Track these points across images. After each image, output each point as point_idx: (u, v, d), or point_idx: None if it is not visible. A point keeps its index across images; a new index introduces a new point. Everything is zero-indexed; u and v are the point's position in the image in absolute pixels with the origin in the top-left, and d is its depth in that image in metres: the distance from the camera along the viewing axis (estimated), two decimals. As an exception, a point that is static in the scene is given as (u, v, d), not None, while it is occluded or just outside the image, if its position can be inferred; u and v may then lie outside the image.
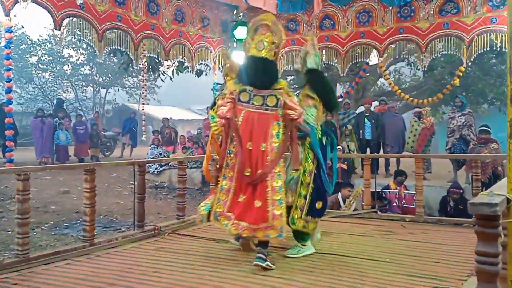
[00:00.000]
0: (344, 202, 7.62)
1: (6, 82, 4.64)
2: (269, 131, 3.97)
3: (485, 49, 6.01)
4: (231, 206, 4.00)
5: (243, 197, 3.96)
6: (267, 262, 3.90)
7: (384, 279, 3.74)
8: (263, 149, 3.96)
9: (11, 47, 4.64)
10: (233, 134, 4.01)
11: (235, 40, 7.06)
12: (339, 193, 7.81)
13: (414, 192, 6.54)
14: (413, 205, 6.86)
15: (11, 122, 4.65)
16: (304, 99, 4.44)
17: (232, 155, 4.03)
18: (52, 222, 8.26)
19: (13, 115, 4.76)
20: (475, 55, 6.04)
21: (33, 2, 4.61)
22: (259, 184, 3.95)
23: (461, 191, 7.36)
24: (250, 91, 3.97)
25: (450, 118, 9.41)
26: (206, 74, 13.87)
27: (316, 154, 4.35)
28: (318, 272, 3.92)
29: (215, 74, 7.68)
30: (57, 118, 14.19)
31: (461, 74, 6.94)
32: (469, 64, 6.40)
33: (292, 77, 15.94)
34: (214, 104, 4.36)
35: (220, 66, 7.78)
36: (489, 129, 8.55)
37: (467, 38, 5.96)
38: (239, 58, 7.07)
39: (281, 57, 7.23)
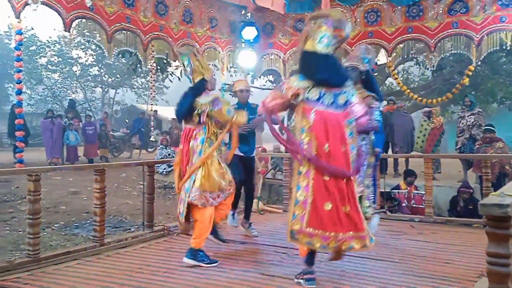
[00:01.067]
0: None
1: (17, 83, 4.69)
2: (344, 131, 3.60)
3: (494, 48, 5.97)
4: (312, 220, 3.44)
5: (330, 206, 3.44)
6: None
7: (394, 280, 3.73)
8: (343, 150, 3.53)
9: (21, 49, 4.68)
10: (272, 133, 3.78)
11: (243, 41, 7.07)
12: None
13: (424, 193, 6.51)
14: (423, 205, 6.82)
15: (22, 123, 4.69)
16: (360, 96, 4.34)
17: (303, 162, 3.51)
18: (62, 222, 8.31)
19: (23, 117, 4.80)
20: (484, 54, 6.00)
21: (43, 4, 4.65)
22: (346, 187, 3.51)
23: (471, 191, 7.30)
24: (321, 88, 3.55)
25: (459, 118, 9.34)
26: (214, 75, 13.89)
27: (378, 151, 4.49)
28: (327, 273, 3.92)
29: (223, 74, 7.69)
30: (66, 119, 14.30)
31: (470, 73, 6.89)
32: (479, 63, 6.35)
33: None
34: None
35: (228, 66, 7.80)
36: (494, 128, 8.48)
37: (477, 37, 5.92)
38: (245, 56, 7.11)
39: (289, 57, 7.24)
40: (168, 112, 28.99)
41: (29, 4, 4.50)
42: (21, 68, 4.69)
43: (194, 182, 4.16)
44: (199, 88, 4.31)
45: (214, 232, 4.71)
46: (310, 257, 3.63)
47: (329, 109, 3.56)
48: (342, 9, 6.72)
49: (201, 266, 4.10)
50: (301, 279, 3.61)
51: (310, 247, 3.50)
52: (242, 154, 5.16)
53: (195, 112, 4.22)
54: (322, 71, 3.56)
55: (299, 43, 3.74)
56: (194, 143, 4.27)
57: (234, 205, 5.22)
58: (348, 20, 3.95)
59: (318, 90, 3.54)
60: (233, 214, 5.39)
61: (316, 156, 3.47)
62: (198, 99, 4.23)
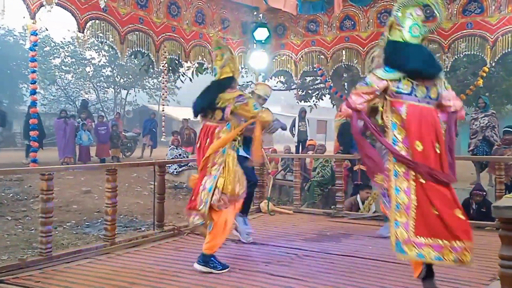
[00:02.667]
0: (363, 203, 7.57)
1: (31, 84, 4.73)
2: (440, 128, 3.24)
3: (509, 49, 5.89)
4: (420, 227, 3.03)
5: (435, 211, 3.04)
6: None
7: (405, 282, 3.70)
8: (438, 150, 3.17)
9: (36, 50, 4.72)
10: (372, 132, 3.26)
11: (255, 42, 7.06)
12: (358, 195, 7.76)
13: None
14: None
15: (36, 123, 4.73)
16: None
17: (399, 161, 3.12)
18: (74, 221, 8.39)
19: (37, 116, 4.84)
20: (499, 56, 5.92)
21: (58, 6, 4.70)
22: (448, 191, 3.16)
23: (484, 193, 7.22)
24: (413, 80, 3.20)
25: (473, 119, 9.25)
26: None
27: None
28: (337, 274, 3.91)
29: (234, 75, 7.69)
30: (80, 119, 14.43)
31: (484, 74, 6.81)
32: (493, 64, 6.27)
33: (311, 77, 15.93)
34: None
35: (239, 67, 7.79)
36: (514, 130, 8.38)
37: (491, 38, 5.84)
38: (257, 57, 7.10)
39: (301, 58, 7.22)
40: (179, 113, 29.15)
41: (44, 5, 4.54)
42: (35, 69, 4.74)
43: (216, 183, 3.99)
44: (225, 84, 4.18)
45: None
46: (427, 273, 3.15)
47: (422, 103, 3.21)
48: (354, 9, 6.69)
49: (213, 273, 3.96)
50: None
51: (422, 259, 3.04)
52: (247, 156, 5.01)
53: (218, 106, 4.08)
54: (415, 61, 3.19)
55: (384, 31, 3.43)
56: (216, 141, 4.07)
57: (246, 210, 5.15)
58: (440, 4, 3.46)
59: (410, 82, 3.18)
60: (245, 220, 5.22)
61: (412, 156, 3.10)
62: (221, 94, 4.10)
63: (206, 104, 4.16)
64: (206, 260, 4.00)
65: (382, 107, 3.29)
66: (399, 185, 3.11)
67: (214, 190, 3.96)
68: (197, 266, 4.01)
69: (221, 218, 4.02)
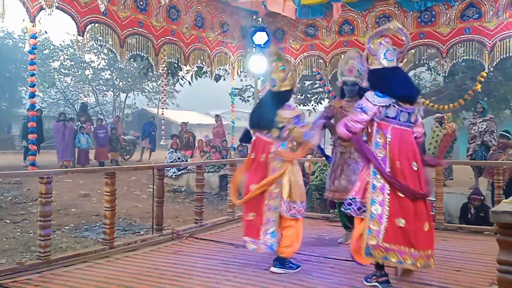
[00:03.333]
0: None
1: (30, 87, 4.73)
2: (415, 148, 3.69)
3: (507, 54, 5.91)
4: (388, 235, 3.46)
5: (403, 222, 3.47)
6: None
7: (404, 287, 3.70)
8: (416, 168, 3.58)
9: (35, 53, 4.73)
10: (365, 152, 3.65)
11: (254, 46, 7.08)
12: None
13: (434, 199, 6.45)
14: (433, 212, 6.76)
15: (34, 126, 4.73)
16: None
17: (378, 176, 3.54)
18: (72, 225, 8.38)
19: (35, 119, 4.84)
20: (497, 61, 5.94)
21: (58, 9, 4.70)
22: (423, 204, 3.60)
23: (482, 198, 7.23)
24: (398, 106, 3.62)
25: (471, 124, 9.26)
26: (224, 79, 13.95)
27: None
28: (336, 279, 3.91)
29: (233, 79, 7.72)
30: (79, 122, 14.43)
31: (483, 79, 6.83)
32: (491, 69, 6.29)
33: (310, 82, 15.96)
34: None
35: (238, 71, 7.81)
36: (509, 135, 8.39)
37: (489, 43, 5.87)
38: (256, 61, 7.11)
39: (300, 62, 7.24)
40: (178, 116, 29.16)
41: (44, 9, 4.55)
42: (34, 72, 4.74)
43: (281, 195, 4.06)
44: (285, 98, 4.18)
45: None
46: (383, 275, 3.66)
47: (403, 126, 3.66)
48: (353, 14, 6.72)
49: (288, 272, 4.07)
50: (376, 282, 3.64)
51: (386, 262, 3.53)
52: None
53: (277, 125, 4.08)
54: (401, 87, 3.67)
55: (363, 63, 3.98)
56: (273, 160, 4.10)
57: None
58: (403, 28, 3.92)
59: (396, 108, 3.61)
60: None
61: (391, 173, 3.53)
62: (280, 111, 4.08)
63: (266, 123, 4.13)
64: (283, 262, 4.12)
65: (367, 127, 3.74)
66: (375, 198, 3.53)
67: (281, 202, 4.06)
68: (274, 269, 4.09)
69: (298, 224, 4.16)
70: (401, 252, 3.46)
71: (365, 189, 3.62)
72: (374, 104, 3.60)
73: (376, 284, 3.64)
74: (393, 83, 3.66)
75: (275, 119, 4.06)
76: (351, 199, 3.71)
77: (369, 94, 3.66)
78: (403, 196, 3.50)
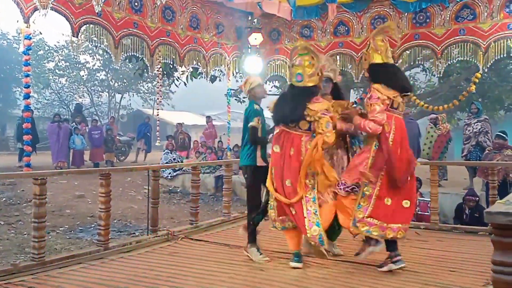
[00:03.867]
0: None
1: (25, 88, 4.71)
2: (407, 135, 4.20)
3: (502, 56, 5.94)
4: (375, 212, 3.98)
5: (390, 200, 4.02)
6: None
7: (398, 287, 3.71)
8: (410, 154, 4.15)
9: (30, 53, 4.70)
10: (380, 142, 4.01)
11: (249, 47, 7.08)
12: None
13: (429, 200, 6.47)
14: (428, 212, 6.78)
15: (29, 127, 4.71)
16: None
17: (377, 161, 4.02)
18: (67, 226, 8.35)
19: (30, 120, 4.81)
20: (491, 62, 5.97)
21: (52, 10, 4.68)
22: (409, 184, 4.12)
23: (477, 198, 7.25)
24: (399, 97, 4.10)
25: (466, 125, 9.30)
26: (219, 80, 13.95)
27: None
28: (333, 279, 3.91)
29: (228, 80, 7.71)
30: (73, 123, 14.37)
31: (477, 80, 6.85)
32: (486, 70, 6.31)
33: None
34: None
35: (234, 72, 7.80)
36: (505, 136, 8.43)
37: (484, 45, 5.89)
38: (251, 62, 7.12)
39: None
40: (173, 117, 29.11)
41: (38, 9, 4.53)
42: (29, 73, 4.71)
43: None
44: (313, 93, 4.17)
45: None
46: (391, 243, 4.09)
47: (400, 115, 4.17)
48: (348, 15, 6.73)
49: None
50: (391, 263, 4.08)
51: (369, 234, 4.02)
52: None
53: (306, 118, 4.09)
54: (402, 79, 4.23)
55: (364, 57, 4.29)
56: (305, 152, 4.10)
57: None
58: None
59: (399, 99, 4.09)
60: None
61: (392, 158, 3.96)
62: (309, 105, 4.09)
63: (298, 116, 4.11)
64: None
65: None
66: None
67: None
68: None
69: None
70: (383, 227, 3.97)
71: (356, 173, 4.07)
72: (385, 97, 4.01)
73: (391, 265, 4.07)
74: (397, 77, 4.17)
75: (304, 113, 4.08)
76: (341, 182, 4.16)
77: (380, 87, 4.03)
78: (394, 180, 3.97)
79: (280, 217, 4.27)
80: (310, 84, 4.17)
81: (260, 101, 4.79)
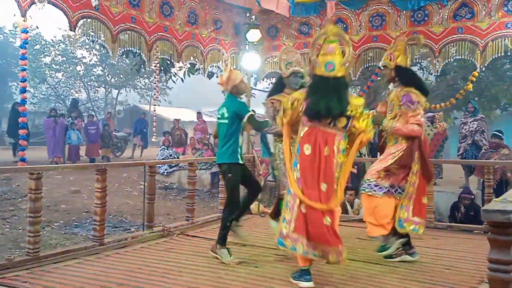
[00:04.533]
0: (352, 207, 7.57)
1: (21, 82, 4.68)
2: None
3: (499, 54, 5.95)
4: (416, 209, 4.23)
5: (425, 199, 4.37)
6: None
7: (394, 285, 3.71)
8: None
9: (26, 48, 4.67)
10: (414, 144, 4.24)
11: (248, 43, 7.06)
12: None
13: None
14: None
15: (25, 121, 4.68)
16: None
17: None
18: (62, 221, 8.32)
19: (26, 115, 4.78)
20: (489, 60, 5.98)
21: (49, 3, 4.65)
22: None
23: (472, 197, 7.28)
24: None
25: (462, 124, 9.32)
26: (217, 76, 13.90)
27: None
28: (327, 276, 3.91)
29: (226, 76, 7.68)
30: (70, 118, 14.33)
31: (474, 79, 6.86)
32: (483, 69, 6.33)
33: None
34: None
35: (231, 68, 7.77)
36: (502, 135, 8.46)
37: (481, 43, 5.90)
38: (249, 59, 7.10)
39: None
40: (170, 113, 29.06)
41: (35, 3, 4.50)
42: (25, 67, 4.68)
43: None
44: (347, 84, 3.72)
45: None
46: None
47: None
48: (346, 13, 6.72)
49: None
50: (405, 254, 4.35)
51: (415, 233, 4.29)
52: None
53: (346, 113, 3.62)
54: (426, 87, 4.49)
55: (390, 56, 4.44)
56: (337, 153, 3.63)
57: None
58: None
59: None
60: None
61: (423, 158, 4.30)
62: (351, 99, 3.66)
63: (344, 109, 3.59)
64: None
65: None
66: (411, 180, 4.27)
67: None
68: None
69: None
70: (423, 223, 4.38)
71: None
72: (420, 100, 4.26)
73: (406, 256, 4.35)
74: (425, 85, 4.49)
75: (348, 107, 3.62)
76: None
77: (418, 92, 4.24)
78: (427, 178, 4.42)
79: (295, 235, 3.58)
80: (340, 74, 3.67)
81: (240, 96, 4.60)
